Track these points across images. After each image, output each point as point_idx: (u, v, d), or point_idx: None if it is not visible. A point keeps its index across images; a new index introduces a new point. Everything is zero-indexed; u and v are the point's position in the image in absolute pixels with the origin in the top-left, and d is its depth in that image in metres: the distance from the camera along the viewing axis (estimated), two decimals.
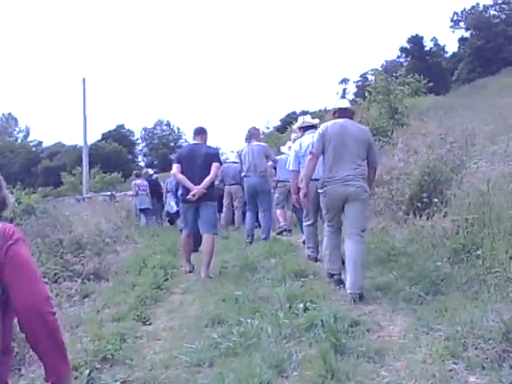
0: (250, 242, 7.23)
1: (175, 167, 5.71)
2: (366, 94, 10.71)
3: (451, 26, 47.82)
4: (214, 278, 5.30)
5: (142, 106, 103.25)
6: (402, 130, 10.74)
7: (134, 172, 14.73)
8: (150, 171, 13.34)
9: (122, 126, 65.30)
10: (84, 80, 26.02)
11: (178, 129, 66.40)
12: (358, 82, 51.13)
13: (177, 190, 9.83)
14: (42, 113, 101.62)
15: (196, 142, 5.92)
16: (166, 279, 5.38)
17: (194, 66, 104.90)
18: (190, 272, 5.74)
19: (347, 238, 4.36)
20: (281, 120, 35.49)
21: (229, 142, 78.43)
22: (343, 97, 50.60)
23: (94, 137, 59.25)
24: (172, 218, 11.59)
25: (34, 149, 64.46)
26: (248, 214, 7.67)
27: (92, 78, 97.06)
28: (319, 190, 4.59)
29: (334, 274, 4.62)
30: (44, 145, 64.64)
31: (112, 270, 5.72)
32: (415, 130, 11.17)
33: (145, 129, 67.15)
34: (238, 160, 8.59)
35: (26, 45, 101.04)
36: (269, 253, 5.96)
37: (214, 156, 5.77)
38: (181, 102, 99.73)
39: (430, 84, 15.60)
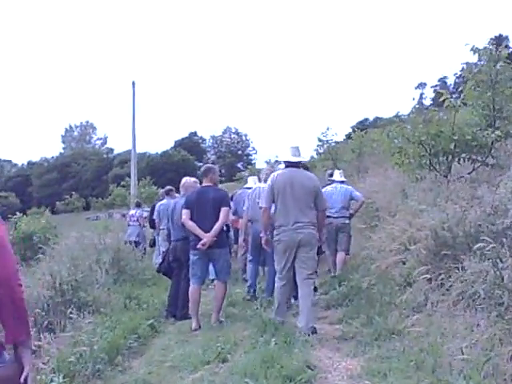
0: (252, 297, 6.57)
1: (184, 213, 5.65)
2: (462, 89, 6.90)
3: None
4: None
5: (214, 113, 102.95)
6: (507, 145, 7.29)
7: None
8: None
9: (194, 134, 64.72)
10: (134, 84, 24.18)
11: (246, 136, 64.42)
12: (435, 86, 46.71)
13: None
14: (119, 120, 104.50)
15: (205, 184, 5.84)
16: None
17: (265, 72, 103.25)
18: (195, 330, 5.39)
19: (300, 283, 4.86)
20: (352, 127, 32.06)
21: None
22: (420, 102, 46.29)
23: (167, 144, 58.83)
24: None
25: (105, 156, 65.25)
26: (250, 265, 6.92)
27: (168, 85, 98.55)
28: (274, 239, 4.95)
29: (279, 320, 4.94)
30: (116, 152, 65.26)
31: None
32: None
33: (213, 136, 65.96)
34: (252, 185, 7.92)
35: (108, 58, 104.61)
36: None
37: (222, 200, 5.63)
38: (250, 109, 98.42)
39: None
